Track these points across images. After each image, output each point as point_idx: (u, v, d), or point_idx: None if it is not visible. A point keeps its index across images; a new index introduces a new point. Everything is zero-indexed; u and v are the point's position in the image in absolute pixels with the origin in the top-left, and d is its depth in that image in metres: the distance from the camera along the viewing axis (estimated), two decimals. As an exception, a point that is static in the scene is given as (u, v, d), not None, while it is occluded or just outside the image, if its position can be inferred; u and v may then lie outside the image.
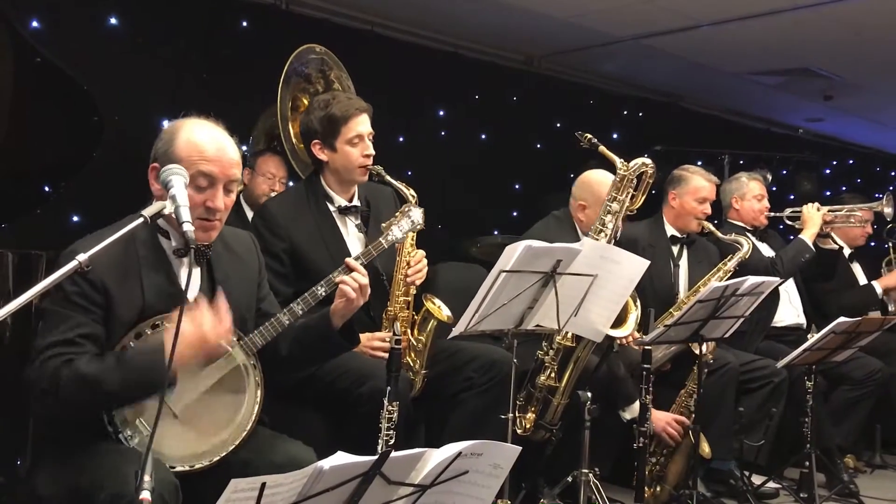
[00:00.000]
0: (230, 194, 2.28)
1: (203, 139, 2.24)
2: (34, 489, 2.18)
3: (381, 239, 2.79)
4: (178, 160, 2.18)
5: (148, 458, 1.70)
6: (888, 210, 4.99)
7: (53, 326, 2.14)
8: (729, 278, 4.12)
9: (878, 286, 5.24)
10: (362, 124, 3.20)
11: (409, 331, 3.21)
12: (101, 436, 2.14)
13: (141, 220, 1.93)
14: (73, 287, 2.13)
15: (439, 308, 3.19)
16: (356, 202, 3.29)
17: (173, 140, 2.24)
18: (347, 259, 2.58)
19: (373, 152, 3.22)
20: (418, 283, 3.19)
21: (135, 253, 2.22)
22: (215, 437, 2.23)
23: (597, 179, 3.92)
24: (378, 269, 3.20)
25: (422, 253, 3.23)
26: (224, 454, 2.23)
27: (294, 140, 4.13)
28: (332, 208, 3.26)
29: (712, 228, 4.38)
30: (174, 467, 2.15)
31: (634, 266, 3.08)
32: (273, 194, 4.25)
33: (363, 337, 3.09)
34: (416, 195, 3.17)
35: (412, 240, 3.19)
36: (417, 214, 2.90)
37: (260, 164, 4.44)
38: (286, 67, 4.03)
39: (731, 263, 4.22)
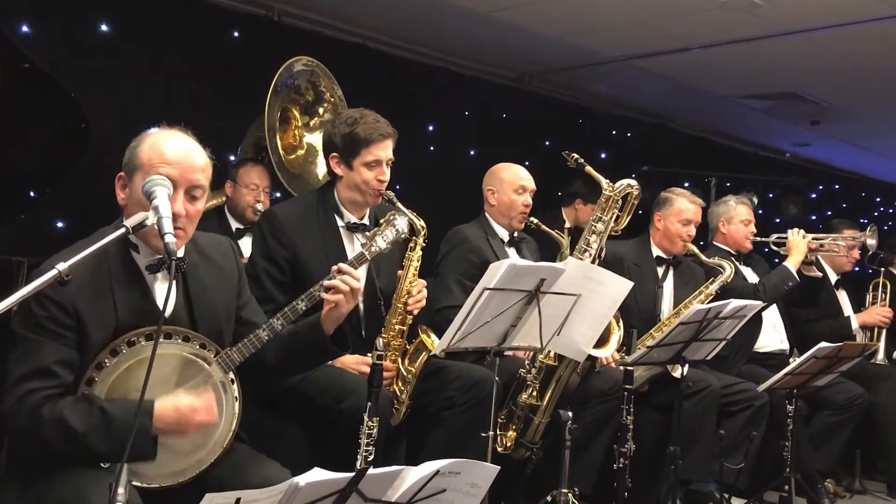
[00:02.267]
0: (195, 202, 2.23)
1: (166, 144, 2.21)
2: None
3: (363, 251, 2.71)
4: (139, 165, 2.18)
5: (122, 471, 1.68)
6: (871, 242, 5.03)
7: (26, 354, 2.08)
8: (711, 301, 4.14)
9: (854, 321, 5.28)
10: (383, 150, 3.17)
11: (399, 360, 3.18)
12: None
13: (122, 230, 1.92)
14: (43, 312, 2.07)
15: (433, 342, 3.11)
16: (366, 221, 3.27)
17: (137, 147, 2.22)
18: (340, 265, 2.52)
19: (387, 178, 3.19)
20: (416, 312, 3.16)
21: (106, 269, 2.17)
22: (192, 455, 2.20)
23: (501, 167, 4.16)
24: (377, 291, 3.19)
25: (423, 282, 3.19)
26: (200, 471, 2.21)
27: (281, 152, 4.11)
28: (340, 223, 3.24)
29: (696, 251, 4.39)
30: (150, 485, 2.12)
31: (618, 287, 3.08)
32: (259, 205, 4.23)
33: (352, 359, 3.07)
34: (425, 226, 3.13)
35: (415, 269, 3.15)
36: (402, 223, 2.79)
37: (242, 176, 4.35)
38: (275, 79, 4.01)
39: (713, 287, 4.24)
